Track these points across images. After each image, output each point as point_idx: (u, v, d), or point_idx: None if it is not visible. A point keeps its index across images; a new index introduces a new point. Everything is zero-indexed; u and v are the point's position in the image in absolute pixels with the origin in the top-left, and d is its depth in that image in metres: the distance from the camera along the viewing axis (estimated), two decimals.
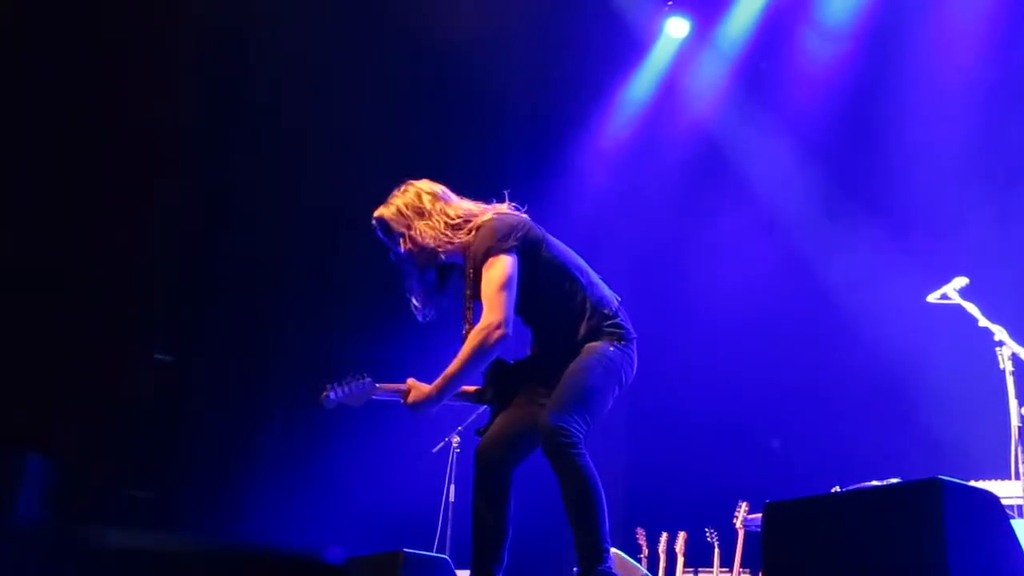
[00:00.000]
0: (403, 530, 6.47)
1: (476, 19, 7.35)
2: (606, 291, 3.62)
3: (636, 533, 7.14)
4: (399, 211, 3.64)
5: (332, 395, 3.58)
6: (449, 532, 6.36)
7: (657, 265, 8.67)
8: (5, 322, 5.84)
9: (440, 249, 3.57)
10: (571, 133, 8.39)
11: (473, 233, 3.55)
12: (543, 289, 3.53)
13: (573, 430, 3.30)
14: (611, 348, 3.48)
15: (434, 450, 6.70)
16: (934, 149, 7.06)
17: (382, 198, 3.78)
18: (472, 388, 3.69)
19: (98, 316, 6.38)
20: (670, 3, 8.25)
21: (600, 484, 3.31)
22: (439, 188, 3.68)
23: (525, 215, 3.63)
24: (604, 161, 8.47)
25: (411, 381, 3.52)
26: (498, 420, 3.55)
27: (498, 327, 3.38)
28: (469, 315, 3.60)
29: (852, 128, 7.72)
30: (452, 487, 6.46)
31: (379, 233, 3.68)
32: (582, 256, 3.82)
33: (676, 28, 8.33)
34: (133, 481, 6.41)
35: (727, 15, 8.14)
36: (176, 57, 6.73)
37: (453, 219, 3.58)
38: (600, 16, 7.97)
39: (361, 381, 3.58)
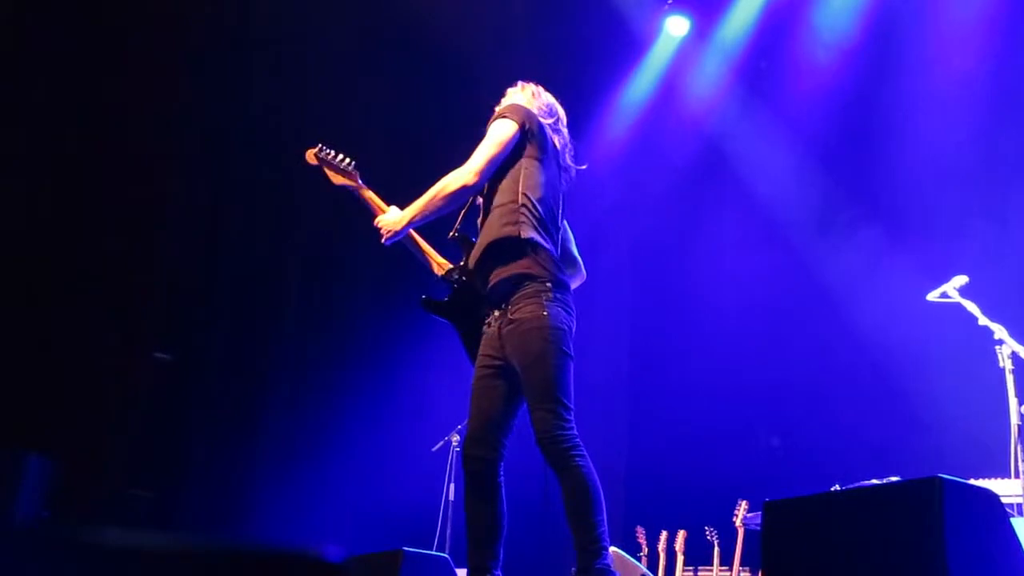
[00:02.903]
0: (403, 528, 6.47)
1: (475, 18, 7.35)
2: (549, 239, 3.56)
3: (636, 532, 7.14)
4: (534, 95, 3.92)
5: (321, 153, 3.81)
6: (449, 531, 6.36)
7: (657, 264, 8.67)
8: (4, 322, 5.84)
9: None
10: (570, 132, 8.39)
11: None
12: (507, 173, 3.60)
13: (568, 433, 3.32)
14: (545, 312, 3.40)
15: (434, 449, 6.70)
16: (934, 147, 7.07)
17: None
18: (443, 261, 3.77)
19: (97, 315, 6.38)
20: (670, 1, 8.25)
21: (599, 483, 3.32)
22: (544, 101, 3.90)
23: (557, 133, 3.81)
24: (604, 160, 8.47)
25: (393, 207, 3.73)
26: (474, 414, 3.54)
27: (467, 174, 3.57)
28: None
29: (852, 127, 7.72)
30: (452, 485, 6.46)
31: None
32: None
33: (676, 27, 8.33)
34: (133, 480, 6.41)
35: (727, 14, 8.14)
36: (178, 56, 6.73)
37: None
38: (600, 14, 7.97)
39: (350, 166, 3.82)
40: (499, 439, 3.49)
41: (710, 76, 8.35)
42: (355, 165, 3.82)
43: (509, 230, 3.49)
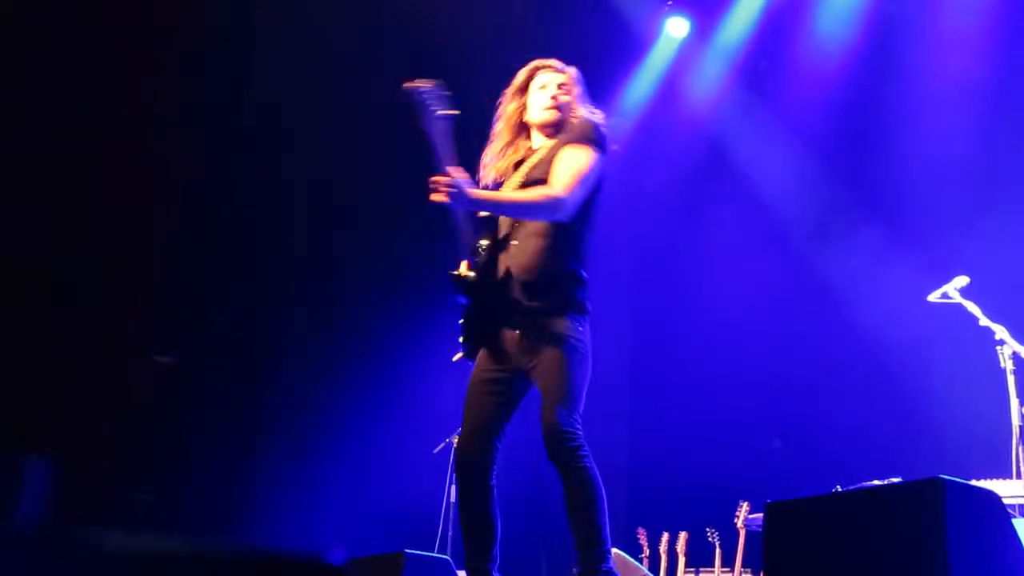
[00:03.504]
0: (404, 530, 6.47)
1: (474, 18, 7.35)
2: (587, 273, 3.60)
3: (637, 533, 7.13)
4: (577, 77, 3.86)
5: (421, 90, 3.45)
6: (450, 533, 6.35)
7: (657, 265, 8.67)
8: (5, 324, 5.84)
9: (558, 124, 3.64)
10: None
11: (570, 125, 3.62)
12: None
13: (578, 432, 3.32)
14: (579, 328, 3.44)
15: (435, 450, 6.69)
16: (935, 148, 7.06)
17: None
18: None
19: (98, 317, 6.38)
20: (670, 3, 8.24)
21: (602, 485, 3.32)
22: None
23: None
24: None
25: (462, 170, 3.37)
26: (470, 417, 3.52)
27: (560, 207, 3.40)
28: (518, 179, 3.57)
29: (853, 127, 7.72)
30: (453, 487, 6.45)
31: (537, 76, 3.75)
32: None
33: (676, 28, 8.33)
34: (134, 483, 6.41)
35: (727, 15, 8.14)
36: (177, 55, 6.73)
37: (595, 117, 3.72)
38: (600, 16, 7.96)
39: (441, 95, 3.43)
40: (493, 443, 3.48)
41: (710, 77, 8.35)
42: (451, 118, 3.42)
43: (569, 261, 3.49)
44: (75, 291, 6.30)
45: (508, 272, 3.50)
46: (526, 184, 3.53)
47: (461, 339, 3.65)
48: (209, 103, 6.90)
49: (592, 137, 3.52)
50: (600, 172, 3.51)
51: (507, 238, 3.55)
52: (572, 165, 3.45)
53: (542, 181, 3.47)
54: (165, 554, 1.45)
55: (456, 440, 6.45)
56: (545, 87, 3.74)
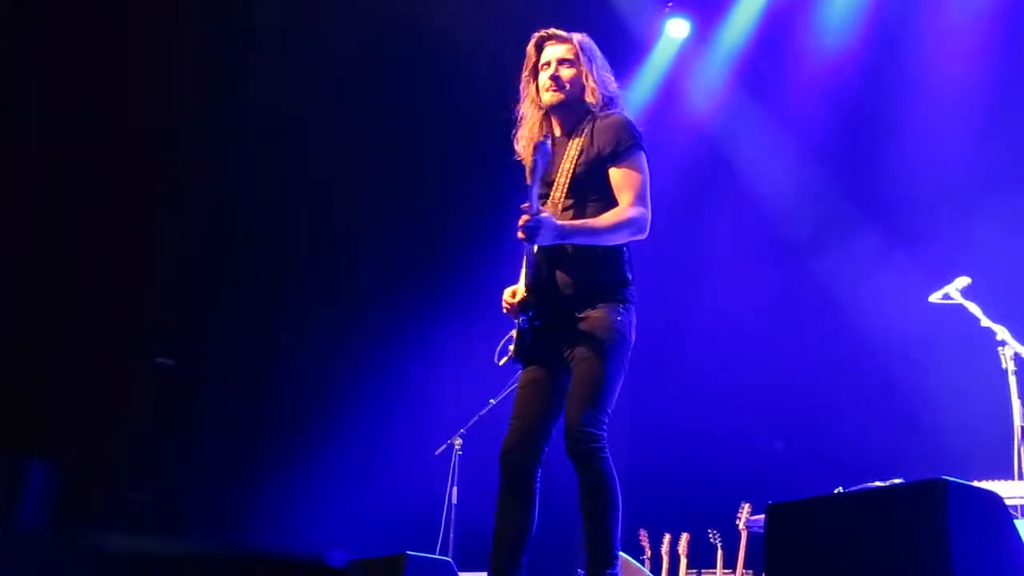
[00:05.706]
0: (405, 532, 6.47)
1: (473, 20, 7.35)
2: None
3: (639, 534, 7.12)
4: (583, 44, 3.73)
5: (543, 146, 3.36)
6: (452, 534, 6.35)
7: (658, 267, 8.65)
8: (7, 327, 5.84)
9: (594, 103, 3.58)
10: None
11: (608, 114, 3.56)
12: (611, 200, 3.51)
13: (602, 433, 3.29)
14: (619, 317, 3.45)
15: (436, 452, 6.69)
16: (936, 148, 7.06)
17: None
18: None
19: (100, 320, 6.38)
20: (670, 4, 8.24)
21: (619, 489, 3.28)
22: None
23: None
24: None
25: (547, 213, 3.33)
26: (518, 416, 3.46)
27: (646, 225, 3.47)
28: (563, 181, 3.49)
29: (854, 129, 7.71)
30: (455, 489, 6.45)
31: (548, 50, 3.68)
32: None
33: (676, 29, 8.32)
34: (135, 485, 6.41)
35: (728, 16, 8.13)
36: (178, 58, 6.74)
37: (612, 89, 3.66)
38: (600, 17, 7.96)
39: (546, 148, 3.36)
40: (540, 446, 3.43)
41: (711, 79, 8.34)
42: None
43: (617, 256, 3.56)
44: (77, 293, 6.30)
45: (561, 274, 3.48)
46: (575, 186, 3.48)
47: (513, 348, 3.56)
48: (210, 103, 6.91)
49: (636, 140, 3.50)
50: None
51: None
52: (636, 182, 3.47)
53: (591, 185, 3.48)
54: (166, 556, 1.45)
55: (457, 442, 6.51)
56: (548, 65, 3.67)
